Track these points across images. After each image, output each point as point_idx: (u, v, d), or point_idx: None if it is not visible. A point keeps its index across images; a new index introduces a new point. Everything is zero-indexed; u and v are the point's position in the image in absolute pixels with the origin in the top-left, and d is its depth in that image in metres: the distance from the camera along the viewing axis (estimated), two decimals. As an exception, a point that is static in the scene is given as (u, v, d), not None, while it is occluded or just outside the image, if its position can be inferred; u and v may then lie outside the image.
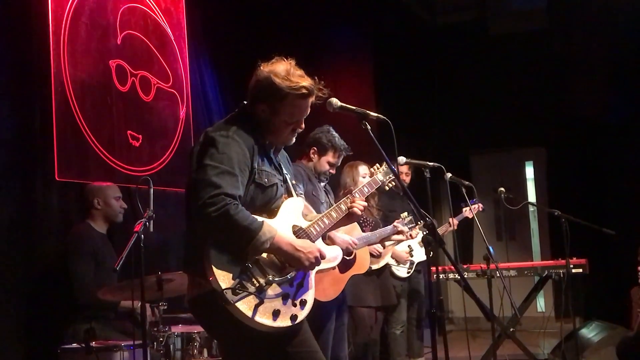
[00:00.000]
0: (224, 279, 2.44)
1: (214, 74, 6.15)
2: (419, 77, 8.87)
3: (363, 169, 4.79)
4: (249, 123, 2.69)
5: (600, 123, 7.80)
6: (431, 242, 3.37)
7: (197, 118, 5.74)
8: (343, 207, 2.95)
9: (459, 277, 5.51)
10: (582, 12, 7.84)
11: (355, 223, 4.15)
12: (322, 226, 2.83)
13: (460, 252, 7.08)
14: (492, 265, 4.56)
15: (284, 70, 2.66)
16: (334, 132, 4.22)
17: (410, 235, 4.73)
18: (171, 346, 4.06)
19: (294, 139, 2.80)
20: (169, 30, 5.57)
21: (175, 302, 4.16)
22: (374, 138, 2.68)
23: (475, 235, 8.50)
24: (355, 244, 3.98)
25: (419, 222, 4.78)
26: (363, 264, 4.24)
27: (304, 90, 2.65)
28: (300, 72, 2.69)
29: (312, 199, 3.94)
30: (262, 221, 2.52)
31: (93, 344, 3.57)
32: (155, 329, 3.95)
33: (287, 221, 2.71)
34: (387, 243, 4.88)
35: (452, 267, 5.27)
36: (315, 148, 4.19)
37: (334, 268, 3.62)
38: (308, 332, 2.70)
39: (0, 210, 4.06)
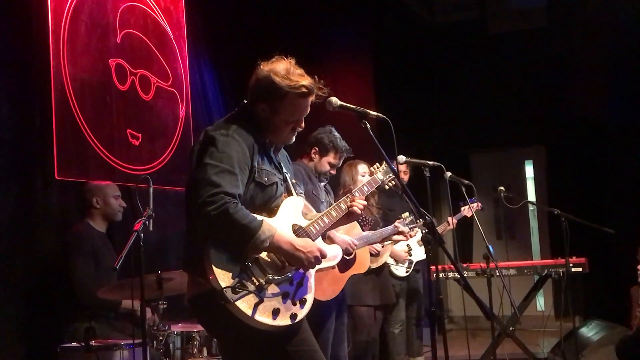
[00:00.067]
0: (223, 278, 2.44)
1: (214, 73, 6.15)
2: (418, 76, 8.87)
3: (362, 167, 4.79)
4: (249, 122, 2.69)
5: (599, 122, 7.80)
6: (431, 241, 3.38)
7: (196, 117, 5.74)
8: (343, 206, 2.95)
9: (458, 276, 5.51)
10: (581, 11, 7.85)
11: (355, 222, 4.15)
12: (322, 225, 2.83)
13: (459, 251, 7.08)
14: (492, 264, 4.56)
15: (283, 69, 2.66)
16: (336, 133, 4.22)
17: (410, 234, 4.72)
18: (171, 345, 4.06)
19: (293, 138, 2.80)
20: (168, 29, 5.57)
21: (175, 301, 4.16)
22: (373, 137, 2.68)
23: (475, 234, 8.51)
24: (355, 245, 3.98)
25: (418, 221, 4.78)
26: (363, 263, 4.24)
27: (304, 89, 2.65)
28: (300, 71, 2.69)
29: (312, 198, 3.94)
30: (262, 220, 2.52)
31: (93, 342, 3.57)
32: (155, 327, 3.95)
33: (287, 220, 2.71)
34: (385, 242, 4.88)
35: (452, 266, 5.26)
36: (316, 148, 4.20)
37: (333, 267, 3.62)
38: (308, 331, 2.70)
39: (-1, 209, 4.07)
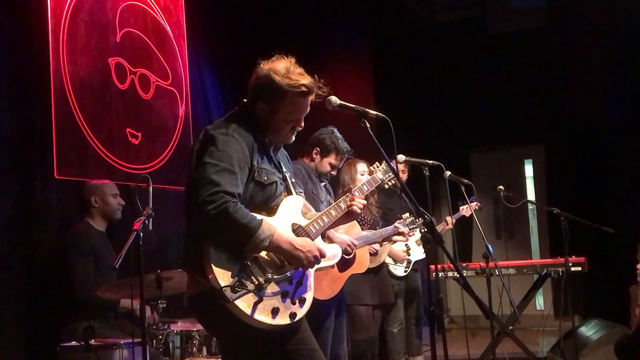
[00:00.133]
0: (223, 277, 2.44)
1: (214, 72, 6.15)
2: (418, 75, 8.86)
3: (361, 166, 4.79)
4: (249, 121, 2.69)
5: (599, 121, 7.80)
6: (430, 240, 3.38)
7: (196, 116, 5.74)
8: (342, 205, 2.95)
9: (458, 276, 5.51)
10: (581, 10, 7.84)
11: (355, 221, 4.15)
12: (322, 224, 2.83)
13: (459, 250, 7.07)
14: (491, 264, 4.56)
15: (283, 68, 2.66)
16: (338, 134, 4.22)
17: (409, 235, 4.72)
18: (170, 344, 4.07)
19: (293, 137, 2.80)
20: (168, 28, 5.57)
21: (175, 300, 4.16)
22: (373, 136, 2.68)
23: (475, 234, 8.50)
24: (355, 245, 3.98)
25: (418, 220, 4.78)
26: (362, 263, 4.24)
27: (304, 88, 2.65)
28: (300, 70, 2.69)
29: (311, 198, 3.94)
30: (261, 219, 2.52)
31: (92, 342, 3.57)
32: (155, 327, 3.96)
33: (287, 219, 2.71)
34: (384, 242, 4.88)
35: (451, 266, 5.27)
36: (318, 148, 4.20)
37: (332, 267, 3.62)
38: (307, 330, 2.70)
39: (-1, 208, 4.07)
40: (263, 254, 2.55)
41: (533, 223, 9.55)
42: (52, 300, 4.18)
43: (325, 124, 4.24)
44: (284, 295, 2.56)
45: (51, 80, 4.44)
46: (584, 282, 6.59)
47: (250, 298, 2.47)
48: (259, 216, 2.54)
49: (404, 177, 5.80)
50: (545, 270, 5.66)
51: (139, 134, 5.10)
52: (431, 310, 3.47)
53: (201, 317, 2.72)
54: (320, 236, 2.84)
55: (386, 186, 3.89)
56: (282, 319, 2.53)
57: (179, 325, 4.16)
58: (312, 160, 4.23)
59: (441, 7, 9.30)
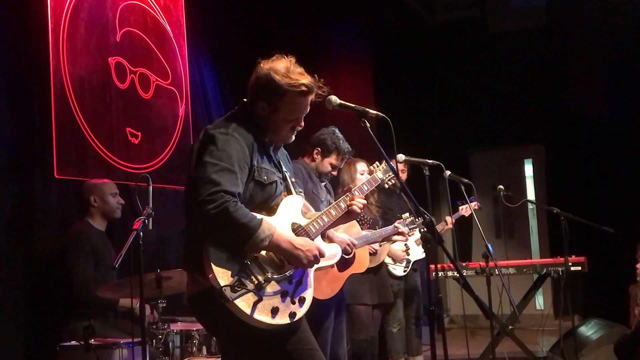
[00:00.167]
0: (222, 277, 2.44)
1: (213, 71, 6.15)
2: (418, 75, 8.86)
3: (361, 166, 4.79)
4: (249, 120, 2.69)
5: (599, 121, 7.80)
6: (430, 239, 3.37)
7: (196, 115, 5.74)
8: (342, 205, 2.95)
9: (458, 275, 5.51)
10: (581, 9, 7.84)
11: (354, 221, 4.15)
12: (321, 224, 2.83)
13: (459, 249, 7.07)
14: (491, 263, 4.56)
15: (283, 68, 2.66)
16: (340, 134, 4.22)
17: (409, 234, 4.72)
18: (170, 344, 4.07)
19: (293, 137, 2.80)
20: (168, 27, 5.57)
21: (175, 300, 4.17)
22: (373, 136, 2.68)
23: (474, 233, 8.50)
24: (354, 245, 3.98)
25: (417, 219, 4.78)
26: (362, 263, 4.24)
27: (304, 88, 2.65)
28: (300, 69, 2.69)
29: (311, 197, 3.94)
30: (261, 219, 2.52)
31: (92, 341, 3.57)
32: (154, 326, 3.95)
33: (287, 219, 2.71)
34: (383, 242, 4.88)
35: (451, 265, 5.27)
36: (319, 149, 4.21)
37: (332, 266, 3.62)
38: (307, 329, 2.70)
39: (-1, 207, 4.07)
40: (263, 253, 2.55)
41: (533, 223, 9.55)
42: (52, 300, 4.18)
43: (325, 123, 4.24)
44: (283, 294, 2.56)
45: (51, 80, 4.44)
46: (584, 281, 6.59)
47: (250, 297, 2.47)
48: (259, 216, 2.54)
49: (403, 176, 5.80)
50: (545, 270, 5.66)
51: (139, 134, 5.10)
52: (431, 309, 3.46)
53: (201, 316, 2.72)
54: (320, 236, 2.84)
55: (386, 186, 3.89)
56: (282, 319, 2.53)
57: (179, 325, 4.16)
58: (313, 160, 4.24)
59: (441, 6, 9.29)
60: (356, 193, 3.15)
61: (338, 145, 4.18)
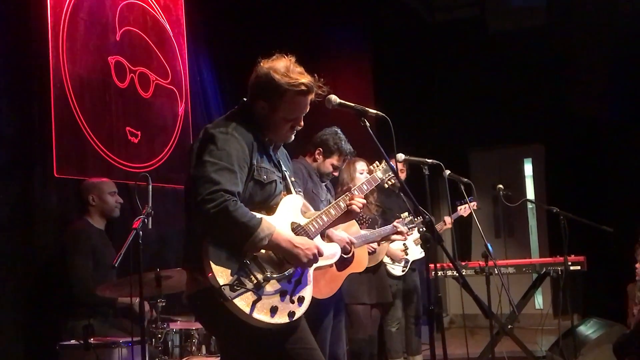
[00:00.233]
0: (222, 275, 2.44)
1: (213, 70, 6.15)
2: (417, 74, 8.87)
3: (360, 165, 4.79)
4: (249, 120, 2.69)
5: (599, 120, 7.80)
6: (430, 239, 3.37)
7: (195, 115, 5.74)
8: (342, 204, 2.95)
9: (457, 275, 5.51)
10: (581, 9, 7.84)
11: (354, 220, 4.15)
12: (321, 223, 2.83)
13: (458, 249, 7.08)
14: (491, 263, 4.56)
15: (283, 67, 2.66)
16: (342, 135, 4.22)
17: (408, 234, 4.72)
18: (169, 343, 4.06)
19: (292, 137, 2.80)
20: (167, 26, 5.57)
21: (174, 299, 4.17)
22: (372, 135, 2.68)
23: (474, 233, 8.50)
24: (353, 243, 3.98)
25: (417, 219, 4.78)
26: (361, 262, 4.23)
27: (303, 87, 2.65)
28: (300, 69, 2.69)
29: (311, 197, 3.94)
30: (261, 218, 2.52)
31: (91, 340, 3.57)
32: (154, 325, 3.95)
33: (286, 218, 2.71)
34: (382, 241, 4.88)
35: (451, 264, 5.27)
36: (321, 149, 4.20)
37: (331, 266, 3.61)
38: (306, 329, 2.70)
39: (-2, 206, 4.07)
40: (262, 252, 2.55)
41: (532, 222, 9.55)
42: (52, 299, 4.18)
43: (325, 123, 4.24)
44: (282, 294, 2.56)
45: (51, 79, 4.44)
46: (583, 281, 6.60)
47: (249, 297, 2.47)
48: (258, 215, 2.54)
49: (402, 176, 5.80)
50: (544, 269, 5.67)
51: (139, 133, 5.10)
52: (430, 309, 3.46)
53: (200, 315, 2.72)
54: (319, 235, 2.84)
55: (386, 185, 3.89)
56: (281, 318, 2.53)
57: (178, 324, 4.17)
58: (315, 160, 4.23)
59: (441, 6, 9.29)
60: (356, 192, 3.15)
61: (340, 146, 4.18)
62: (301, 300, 2.63)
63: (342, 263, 3.99)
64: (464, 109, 8.85)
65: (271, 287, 2.54)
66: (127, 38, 5.12)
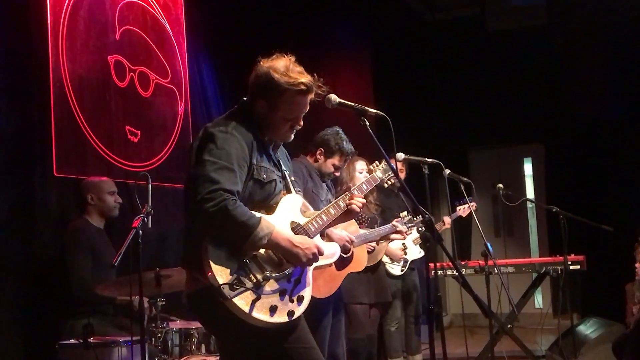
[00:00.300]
0: (221, 275, 2.44)
1: (213, 69, 6.15)
2: (417, 74, 8.87)
3: (360, 164, 4.79)
4: (249, 119, 2.69)
5: (598, 120, 7.80)
6: (429, 238, 3.38)
7: (195, 114, 5.74)
8: (342, 204, 2.95)
9: (456, 274, 5.52)
10: (581, 8, 7.84)
11: (353, 220, 4.15)
12: (321, 223, 2.83)
13: (458, 248, 7.08)
14: (490, 262, 4.56)
15: (283, 66, 2.66)
16: (343, 135, 4.22)
17: (407, 233, 4.72)
18: (169, 342, 4.06)
19: (292, 136, 2.80)
20: (167, 26, 5.56)
21: (174, 298, 4.17)
22: (372, 134, 2.68)
23: (474, 232, 8.51)
24: (352, 241, 3.98)
25: (416, 218, 4.78)
26: (360, 262, 4.23)
27: (303, 87, 2.65)
28: (299, 68, 2.69)
29: (311, 196, 3.94)
30: (260, 217, 2.52)
31: (91, 339, 3.57)
32: (153, 324, 3.95)
33: (286, 217, 2.71)
34: (381, 240, 4.88)
35: (450, 264, 5.27)
36: (322, 149, 4.20)
37: (330, 265, 3.62)
38: (305, 328, 2.70)
39: (-2, 205, 4.07)
40: (262, 251, 2.55)
41: (532, 221, 9.55)
42: (51, 298, 4.17)
43: (325, 122, 4.24)
44: (282, 293, 2.56)
45: (50, 78, 4.43)
46: (583, 280, 6.61)
47: (249, 296, 2.47)
48: (257, 214, 2.54)
49: (402, 175, 5.80)
50: (544, 269, 5.67)
51: (138, 132, 5.10)
52: (430, 308, 3.47)
53: (199, 314, 2.72)
54: (319, 234, 2.84)
55: (385, 185, 3.89)
56: (280, 317, 2.53)
57: (178, 323, 4.16)
58: (316, 160, 4.23)
59: (441, 5, 9.29)
60: (355, 192, 3.15)
61: (341, 146, 4.18)
62: (300, 299, 2.63)
63: (342, 262, 3.99)
64: (464, 109, 8.85)
65: (270, 286, 2.53)
66: (127, 37, 5.11)
